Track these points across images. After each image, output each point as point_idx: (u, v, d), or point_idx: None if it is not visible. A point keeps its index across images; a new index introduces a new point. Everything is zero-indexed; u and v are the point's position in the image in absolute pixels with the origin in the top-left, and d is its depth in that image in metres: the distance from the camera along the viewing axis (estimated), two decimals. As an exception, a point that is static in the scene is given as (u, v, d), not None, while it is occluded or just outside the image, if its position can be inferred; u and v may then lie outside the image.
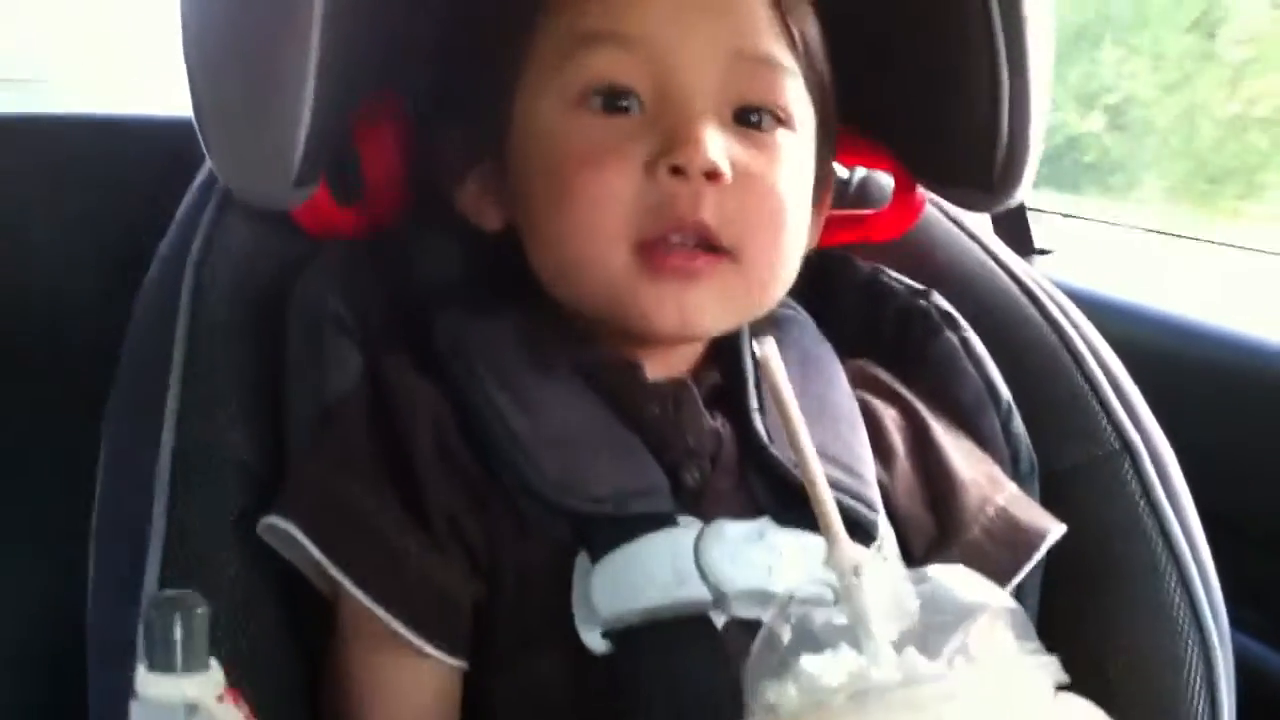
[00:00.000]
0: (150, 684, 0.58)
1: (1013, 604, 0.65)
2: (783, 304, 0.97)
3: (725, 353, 0.95)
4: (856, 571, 0.62)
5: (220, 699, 0.59)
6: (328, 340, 0.92)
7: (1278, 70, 2.28)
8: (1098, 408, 1.04)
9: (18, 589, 1.23)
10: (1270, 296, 1.54)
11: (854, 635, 0.61)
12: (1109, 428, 1.03)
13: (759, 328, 0.95)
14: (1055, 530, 0.96)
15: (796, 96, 0.92)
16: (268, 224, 0.98)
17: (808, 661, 0.60)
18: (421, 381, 0.89)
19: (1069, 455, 1.03)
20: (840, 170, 1.09)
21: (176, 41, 0.89)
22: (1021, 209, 1.59)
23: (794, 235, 0.92)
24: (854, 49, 0.97)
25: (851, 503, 0.88)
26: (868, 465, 0.93)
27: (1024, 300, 1.10)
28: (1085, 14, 2.12)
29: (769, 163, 0.90)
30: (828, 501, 0.65)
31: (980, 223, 1.20)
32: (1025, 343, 1.07)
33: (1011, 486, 0.98)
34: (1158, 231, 1.98)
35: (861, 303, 1.09)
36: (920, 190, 1.13)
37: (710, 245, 0.87)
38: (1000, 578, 0.91)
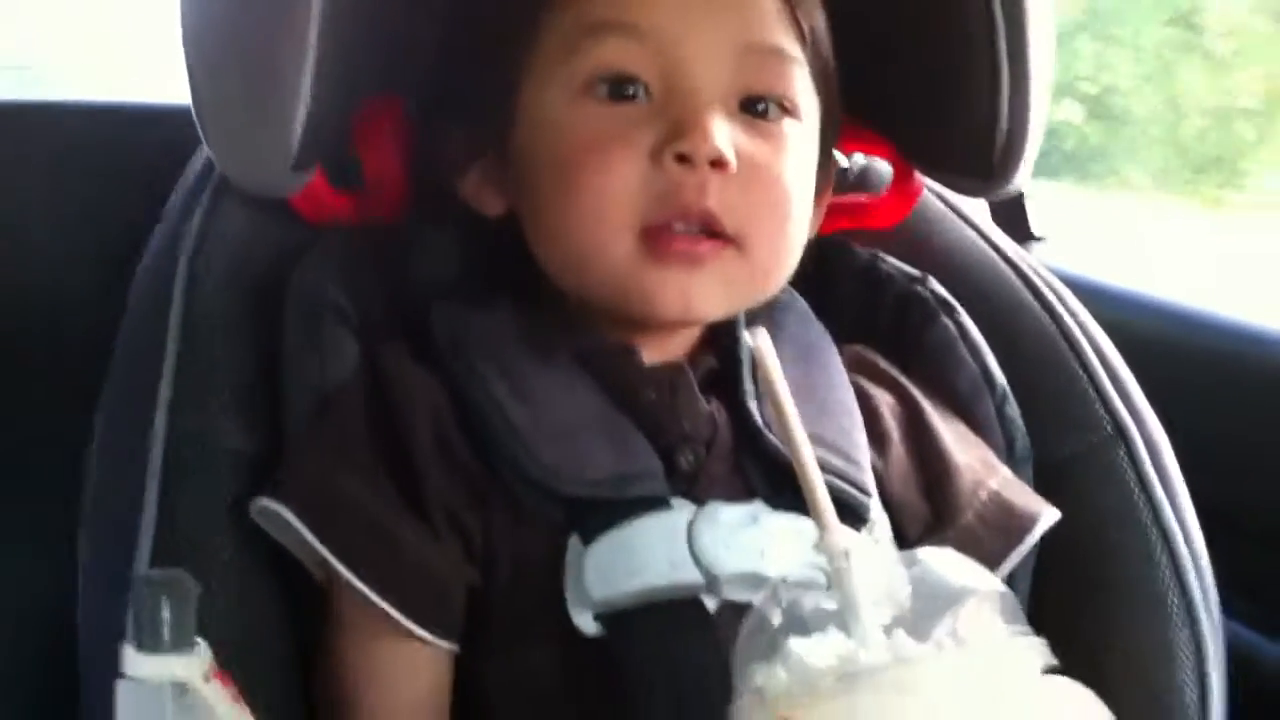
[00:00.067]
0: (138, 664, 0.58)
1: (1002, 588, 0.65)
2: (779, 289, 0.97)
3: (721, 337, 0.95)
4: (846, 555, 0.62)
5: (208, 679, 0.59)
6: (326, 329, 0.92)
7: (1258, 62, 2.28)
8: (1093, 394, 1.04)
9: (17, 588, 1.23)
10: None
11: (844, 619, 0.61)
12: (1104, 414, 1.03)
13: (755, 314, 0.95)
14: (1048, 515, 0.96)
15: (803, 87, 0.92)
16: (264, 211, 0.97)
17: (797, 644, 0.60)
18: (419, 371, 0.89)
19: (1064, 441, 1.03)
20: (839, 157, 1.09)
21: (175, 29, 0.89)
22: (1019, 196, 1.58)
23: (798, 224, 0.92)
24: (857, 39, 0.96)
25: (845, 487, 0.88)
26: (862, 450, 0.93)
27: (1020, 287, 1.10)
28: (1066, 6, 2.12)
29: (774, 152, 0.90)
30: (818, 487, 0.65)
31: (978, 209, 1.20)
32: (1021, 329, 1.07)
33: (1005, 471, 0.98)
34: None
35: (859, 289, 1.09)
36: (918, 177, 1.13)
37: (714, 232, 0.87)
38: (993, 562, 0.92)
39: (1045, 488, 0.99)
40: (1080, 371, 1.05)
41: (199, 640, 0.59)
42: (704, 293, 0.88)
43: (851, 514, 0.88)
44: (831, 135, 0.98)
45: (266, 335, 0.92)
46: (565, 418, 0.88)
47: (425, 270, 0.99)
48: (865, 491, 0.90)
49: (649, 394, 0.90)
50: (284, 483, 0.85)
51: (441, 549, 0.84)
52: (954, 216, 1.16)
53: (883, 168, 1.09)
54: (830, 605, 0.62)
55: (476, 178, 0.94)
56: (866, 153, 1.14)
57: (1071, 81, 2.23)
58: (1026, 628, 0.63)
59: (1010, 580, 0.95)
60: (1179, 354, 1.39)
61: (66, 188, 1.32)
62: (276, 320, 0.92)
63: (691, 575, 0.83)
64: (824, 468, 0.84)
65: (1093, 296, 1.13)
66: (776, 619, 0.63)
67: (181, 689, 0.57)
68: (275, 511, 0.83)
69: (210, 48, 0.89)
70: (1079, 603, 0.99)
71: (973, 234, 1.15)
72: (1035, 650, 0.62)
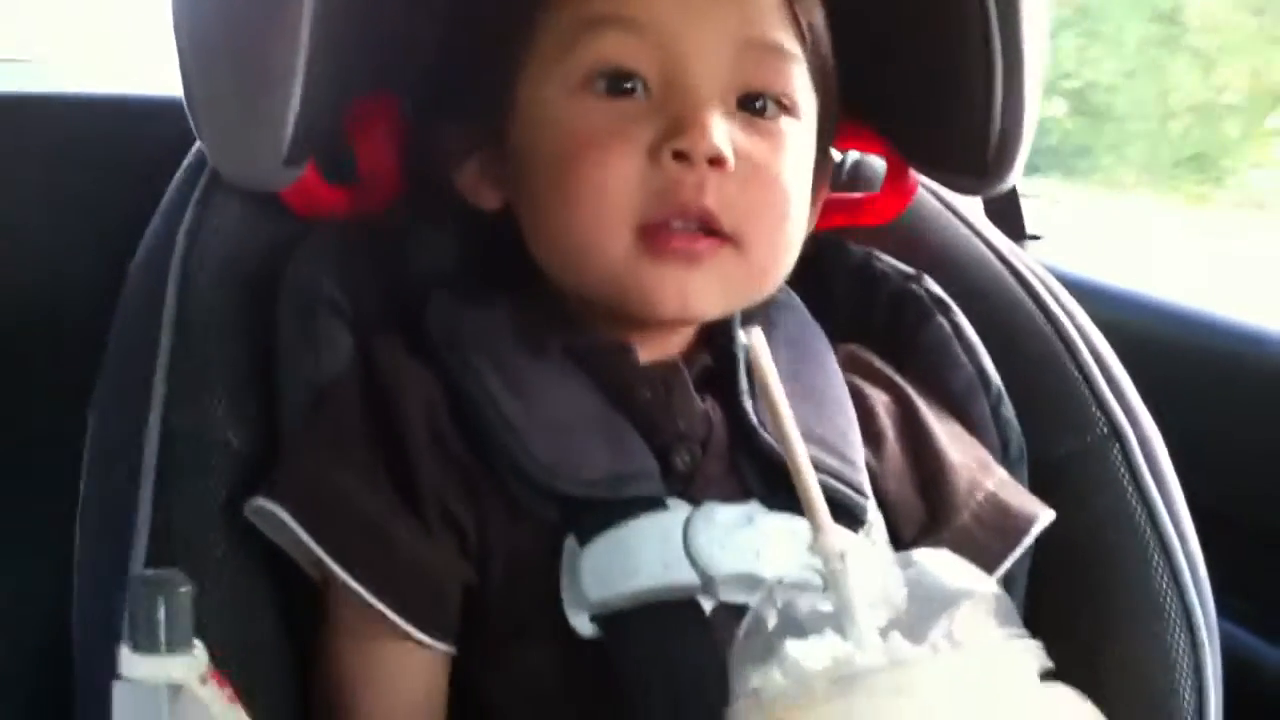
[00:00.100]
0: (134, 665, 0.58)
1: (998, 590, 0.65)
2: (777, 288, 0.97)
3: (716, 336, 0.95)
4: (842, 558, 0.62)
5: (204, 680, 0.59)
6: (320, 323, 0.92)
7: (1241, 58, 2.29)
8: (1088, 394, 1.04)
9: (17, 588, 1.23)
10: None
11: (839, 621, 0.61)
12: (1099, 414, 1.03)
13: (750, 312, 0.95)
14: (1044, 516, 0.96)
15: (801, 85, 0.92)
16: (257, 205, 0.97)
17: (793, 646, 0.60)
18: (414, 365, 0.89)
19: (1059, 441, 1.03)
20: (833, 154, 1.09)
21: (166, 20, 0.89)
22: (1014, 194, 1.58)
23: (795, 223, 0.92)
24: (851, 36, 0.96)
25: (840, 487, 0.88)
26: (857, 450, 0.93)
27: (1015, 285, 1.10)
28: (1050, 3, 2.13)
29: (772, 150, 0.90)
30: (813, 488, 0.65)
31: (972, 207, 1.20)
32: (1016, 328, 1.07)
33: (1001, 472, 0.98)
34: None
35: (853, 287, 1.09)
36: (913, 174, 1.13)
37: (712, 230, 0.87)
38: (989, 563, 0.92)
39: (1040, 488, 0.99)
40: (1075, 371, 1.05)
41: (196, 641, 0.59)
42: (702, 291, 0.88)
43: (847, 514, 0.88)
44: (829, 133, 0.98)
45: (260, 330, 0.92)
46: (560, 414, 0.88)
47: (420, 264, 0.99)
48: (861, 492, 0.90)
49: (644, 392, 0.90)
50: (279, 482, 0.84)
51: (436, 546, 0.84)
52: (949, 214, 1.16)
53: (876, 164, 1.09)
54: (826, 607, 0.62)
55: (473, 171, 0.94)
56: (861, 149, 1.14)
57: (1055, 78, 2.24)
58: (1022, 630, 0.63)
59: (1007, 581, 0.95)
60: (1174, 353, 1.40)
61: (65, 181, 1.32)
62: (270, 315, 0.92)
63: (687, 576, 0.83)
64: (819, 467, 0.84)
65: (1088, 295, 1.13)
66: (772, 621, 0.63)
67: (177, 690, 0.57)
68: (270, 511, 0.83)
69: (202, 42, 0.88)
70: (1075, 604, 1.00)
71: (967, 232, 1.15)
72: (1030, 653, 0.62)
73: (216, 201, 0.96)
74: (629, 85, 0.88)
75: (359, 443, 0.86)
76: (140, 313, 0.93)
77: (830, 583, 0.62)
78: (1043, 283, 1.10)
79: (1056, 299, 1.09)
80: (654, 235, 0.86)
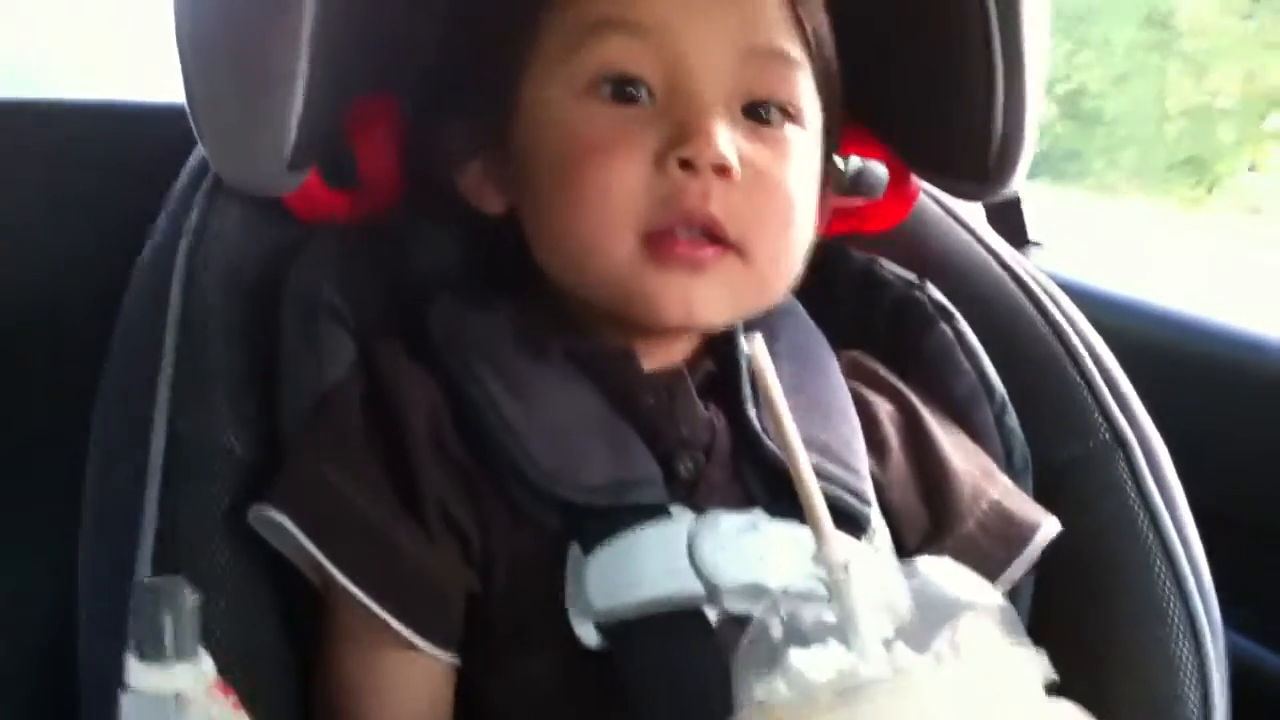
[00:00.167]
0: (140, 675, 0.58)
1: (1001, 599, 0.65)
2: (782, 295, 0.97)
3: (720, 343, 0.95)
4: (845, 568, 0.62)
5: (209, 690, 0.59)
6: (322, 328, 0.92)
7: (1231, 63, 2.30)
8: (1090, 401, 1.04)
9: (17, 588, 1.23)
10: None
11: (843, 631, 0.61)
12: (1102, 421, 1.03)
13: (753, 319, 0.94)
14: (1048, 524, 0.96)
15: (806, 92, 0.92)
16: (260, 209, 0.97)
17: (796, 657, 0.60)
18: (416, 370, 0.89)
19: (1061, 448, 1.03)
20: (837, 160, 1.09)
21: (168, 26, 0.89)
22: (1016, 200, 1.58)
23: (800, 230, 0.91)
24: (853, 41, 0.96)
25: (844, 495, 0.88)
26: (861, 458, 0.93)
27: (1017, 292, 1.10)
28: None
29: (777, 158, 0.89)
30: (816, 499, 0.65)
31: (974, 213, 1.20)
32: (1018, 335, 1.07)
33: (1005, 480, 0.98)
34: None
35: (856, 293, 1.09)
36: (915, 180, 1.13)
37: (716, 237, 0.87)
38: (993, 572, 0.92)
39: (1043, 494, 1.00)
40: (1077, 378, 1.05)
41: (201, 650, 0.59)
42: (706, 298, 0.88)
43: (851, 522, 0.88)
44: (833, 139, 0.98)
45: (263, 334, 0.92)
46: (562, 419, 0.88)
47: (421, 265, 0.99)
48: (865, 500, 0.90)
49: (647, 399, 0.90)
50: (281, 489, 0.84)
51: (438, 552, 0.84)
52: (950, 220, 1.16)
53: (878, 170, 1.09)
54: (830, 617, 0.62)
55: (476, 174, 0.94)
56: (862, 155, 1.14)
57: (1045, 82, 2.26)
58: (1026, 640, 0.63)
59: (1012, 589, 0.96)
60: (1176, 360, 1.40)
61: (66, 186, 1.32)
62: (273, 320, 0.92)
63: (692, 585, 0.83)
64: (823, 475, 0.84)
65: (1089, 302, 1.13)
66: (776, 631, 0.63)
67: (183, 700, 0.57)
68: (273, 519, 0.83)
69: (203, 45, 0.88)
70: (1079, 610, 1.00)
71: (969, 238, 1.15)
72: (1034, 663, 0.62)
73: (219, 206, 0.96)
74: (634, 91, 0.88)
75: (361, 449, 0.86)
76: (144, 316, 0.93)
77: (834, 592, 0.63)
78: (1044, 289, 1.10)
79: (1058, 305, 1.09)
80: (658, 242, 0.86)
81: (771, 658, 0.61)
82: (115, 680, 0.60)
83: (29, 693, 1.23)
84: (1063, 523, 0.96)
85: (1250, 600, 1.27)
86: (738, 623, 0.80)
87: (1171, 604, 0.99)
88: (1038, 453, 1.02)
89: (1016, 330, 1.08)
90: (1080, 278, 1.42)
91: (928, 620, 0.62)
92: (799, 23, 0.92)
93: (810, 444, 0.80)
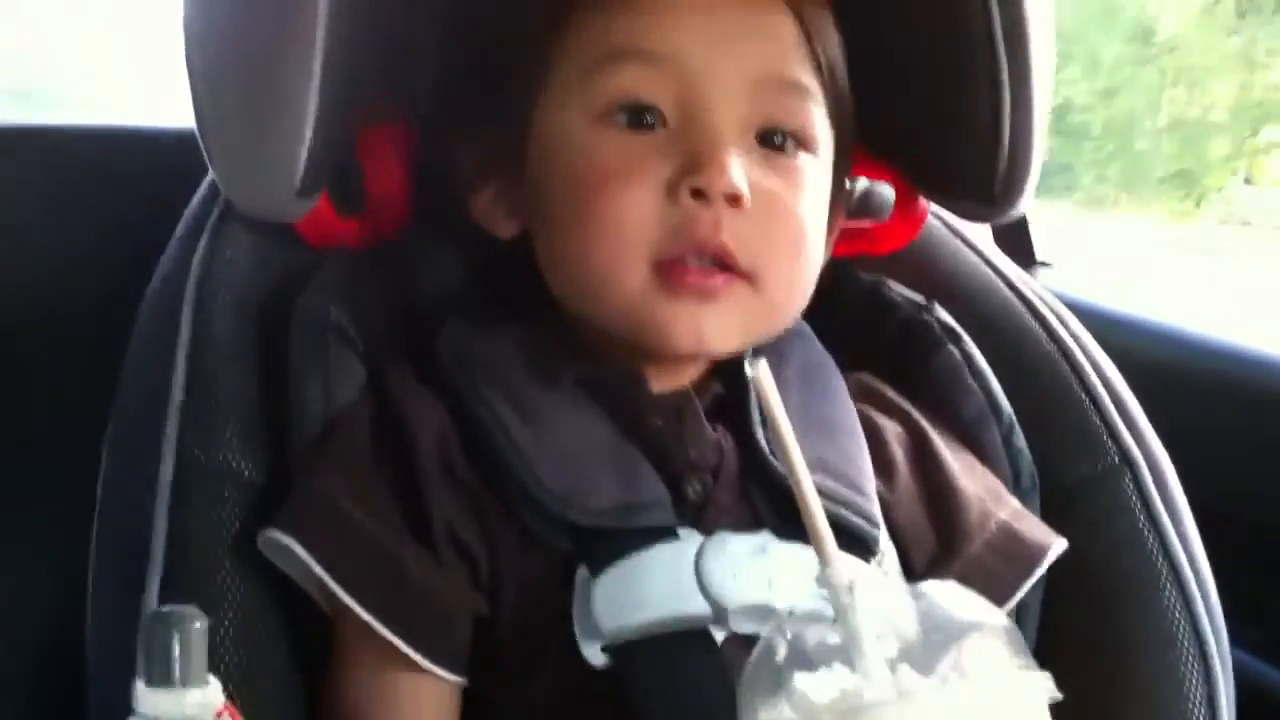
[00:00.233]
0: (148, 700, 0.58)
1: (1007, 622, 0.65)
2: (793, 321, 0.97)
3: (728, 365, 0.95)
4: (850, 590, 0.62)
5: (218, 715, 0.59)
6: (331, 352, 0.92)
7: (1216, 78, 2.30)
8: (1098, 422, 1.04)
9: (17, 588, 1.24)
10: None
11: (848, 653, 0.62)
12: (1110, 442, 1.03)
13: (760, 342, 0.95)
14: (1056, 545, 0.96)
15: (819, 120, 0.92)
16: (270, 236, 0.98)
17: (801, 679, 0.60)
18: (424, 394, 0.89)
19: (1070, 470, 1.03)
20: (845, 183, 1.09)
21: (178, 52, 0.90)
22: (1023, 221, 1.59)
23: (811, 258, 0.92)
24: (863, 67, 0.97)
25: (851, 517, 0.88)
26: (868, 479, 0.93)
27: (1025, 313, 1.10)
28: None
29: (789, 187, 0.90)
30: (820, 521, 0.65)
31: (981, 234, 1.20)
32: (1026, 356, 1.07)
33: (1013, 501, 0.98)
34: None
35: (863, 315, 1.09)
36: (922, 201, 1.13)
37: (727, 266, 0.87)
38: (1002, 592, 0.92)
39: (1052, 515, 0.99)
40: (1085, 398, 1.05)
41: (210, 676, 0.59)
42: (717, 327, 0.88)
43: (859, 544, 0.88)
44: (844, 165, 0.98)
45: (273, 361, 0.92)
46: (571, 443, 0.88)
47: (430, 288, 0.99)
48: (872, 521, 0.90)
49: (655, 421, 0.90)
50: (290, 513, 0.85)
51: (447, 576, 0.84)
52: (958, 242, 1.16)
53: (886, 191, 1.10)
54: (835, 639, 0.62)
55: (489, 198, 0.94)
56: (870, 177, 1.15)
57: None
58: (1031, 660, 0.63)
59: (1019, 609, 0.96)
60: (1184, 379, 1.40)
61: (70, 210, 1.33)
62: (282, 344, 0.92)
63: (699, 607, 0.83)
64: (831, 497, 0.85)
65: (1097, 321, 1.13)
66: (781, 652, 0.63)
67: (191, 725, 0.58)
68: (282, 543, 0.83)
69: (214, 59, 0.89)
70: (1087, 631, 0.99)
71: (977, 259, 1.15)
72: (1039, 685, 0.62)
73: (229, 232, 0.97)
74: (648, 119, 0.88)
75: (369, 473, 0.86)
76: (156, 340, 0.93)
77: (839, 615, 0.63)
78: (1052, 310, 1.10)
79: (1066, 326, 1.09)
80: (669, 271, 0.86)
81: (776, 679, 0.61)
82: (124, 705, 0.60)
83: (29, 693, 1.23)
84: (1071, 543, 0.96)
85: (1258, 620, 1.26)
86: (745, 643, 0.80)
87: (1179, 624, 0.99)
88: (1046, 474, 1.02)
89: (1024, 351, 1.08)
90: (1087, 297, 1.42)
91: (933, 642, 0.62)
92: (813, 52, 0.92)
93: (817, 465, 0.80)
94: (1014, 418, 1.02)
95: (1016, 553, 0.95)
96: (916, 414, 1.00)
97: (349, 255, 0.98)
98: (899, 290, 1.09)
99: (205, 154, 0.92)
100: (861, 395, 1.00)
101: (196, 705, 0.58)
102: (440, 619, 0.84)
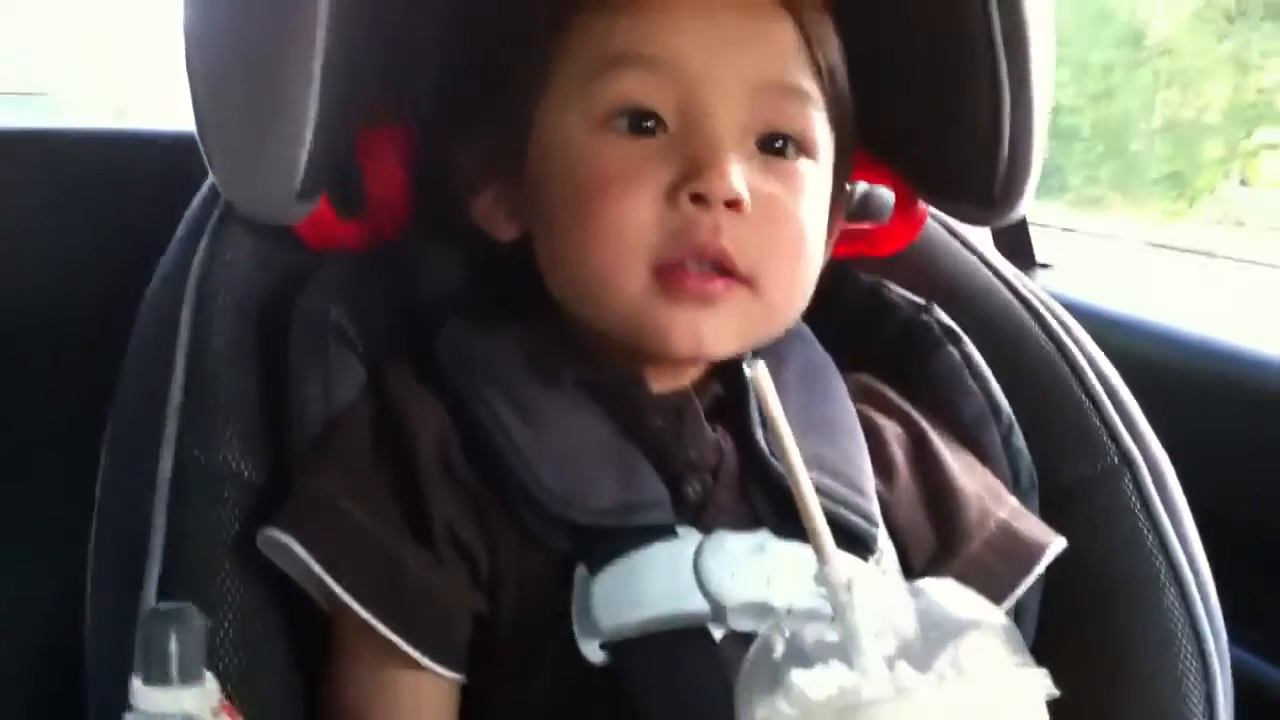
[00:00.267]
0: (146, 697, 0.58)
1: (1005, 620, 0.65)
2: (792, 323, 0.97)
3: (727, 365, 0.95)
4: (849, 587, 0.62)
5: (215, 712, 0.59)
6: (331, 352, 0.92)
7: (1207, 80, 2.31)
8: (1098, 423, 1.04)
9: (17, 589, 1.24)
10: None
11: (846, 650, 0.62)
12: (1109, 442, 1.03)
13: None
14: (1055, 544, 0.96)
15: (819, 124, 0.92)
16: (270, 237, 0.98)
17: (798, 676, 0.60)
18: (424, 394, 0.89)
19: (1069, 470, 1.03)
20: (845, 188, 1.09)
21: (178, 56, 0.90)
22: (1023, 223, 1.59)
23: (810, 262, 0.92)
24: (863, 72, 0.97)
25: (850, 516, 0.88)
26: (868, 479, 0.93)
27: (1024, 314, 1.10)
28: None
29: (789, 192, 0.90)
30: (818, 520, 0.66)
31: (981, 237, 1.20)
32: (1026, 357, 1.07)
33: (1012, 501, 0.98)
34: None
35: (863, 316, 1.09)
36: (922, 204, 1.13)
37: (727, 270, 0.87)
38: (1000, 591, 0.92)
39: (1051, 516, 0.99)
40: (1085, 399, 1.05)
41: (207, 673, 0.59)
42: (716, 331, 0.88)
43: (858, 543, 0.88)
44: (844, 169, 0.99)
45: (273, 361, 0.93)
46: (571, 444, 0.88)
47: (430, 289, 0.99)
48: (871, 520, 0.90)
49: (655, 421, 0.90)
50: (289, 512, 0.85)
51: (446, 576, 0.84)
52: (957, 244, 1.16)
53: (885, 194, 1.10)
54: (832, 637, 0.62)
55: (489, 200, 0.95)
56: (870, 180, 1.15)
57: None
58: (1028, 658, 0.63)
59: (1018, 609, 0.96)
60: (1183, 380, 1.40)
61: (70, 212, 1.33)
62: (282, 345, 0.93)
63: (698, 604, 0.83)
64: (830, 496, 0.85)
65: (1096, 322, 1.13)
66: (779, 650, 0.63)
67: (188, 721, 0.58)
68: (281, 542, 0.83)
69: (215, 61, 0.89)
70: (1086, 631, 1.00)
71: (976, 261, 1.15)
72: (1036, 682, 0.62)
73: (230, 234, 0.97)
74: (649, 124, 0.88)
75: (369, 473, 0.86)
76: (155, 342, 0.93)
77: (837, 612, 0.63)
78: (1051, 311, 1.10)
79: (1065, 327, 1.09)
80: (669, 275, 0.86)
81: (773, 676, 0.61)
82: (122, 705, 0.60)
83: (29, 694, 1.24)
84: (1070, 543, 0.96)
85: (1258, 620, 1.26)
86: (743, 641, 0.79)
87: (1178, 624, 0.99)
88: (1046, 474, 1.02)
89: (1024, 352, 1.08)
90: (1087, 298, 1.42)
91: (931, 640, 0.62)
92: (812, 57, 0.92)
93: (816, 464, 0.80)
94: (1013, 418, 1.02)
95: (1015, 551, 0.95)
96: (916, 414, 1.00)
97: (349, 256, 0.99)
98: (898, 292, 1.09)
99: (205, 156, 0.92)
100: (861, 396, 1.00)
101: (194, 703, 0.58)
102: (440, 618, 0.84)
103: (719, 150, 0.86)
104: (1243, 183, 2.40)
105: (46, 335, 1.31)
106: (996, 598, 0.90)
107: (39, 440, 1.26)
